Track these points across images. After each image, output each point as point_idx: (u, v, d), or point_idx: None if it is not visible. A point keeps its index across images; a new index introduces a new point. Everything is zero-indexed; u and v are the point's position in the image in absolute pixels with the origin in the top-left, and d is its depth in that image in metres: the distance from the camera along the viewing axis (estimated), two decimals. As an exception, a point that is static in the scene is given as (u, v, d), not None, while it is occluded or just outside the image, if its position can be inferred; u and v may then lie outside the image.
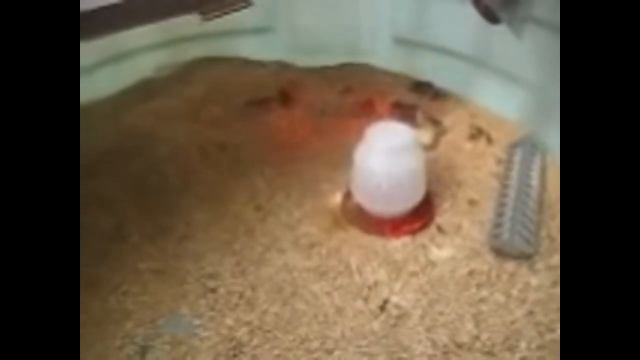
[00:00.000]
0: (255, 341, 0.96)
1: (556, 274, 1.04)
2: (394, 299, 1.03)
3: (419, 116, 1.45)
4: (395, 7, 1.61)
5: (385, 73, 1.67)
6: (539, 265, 1.07)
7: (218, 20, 1.09)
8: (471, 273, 1.07)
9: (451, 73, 1.56)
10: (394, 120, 1.20)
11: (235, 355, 0.94)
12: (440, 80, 1.59)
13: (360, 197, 1.16)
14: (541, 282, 1.04)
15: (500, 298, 1.02)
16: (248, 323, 0.99)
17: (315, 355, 0.94)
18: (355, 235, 1.15)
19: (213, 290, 1.05)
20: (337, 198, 1.23)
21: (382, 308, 1.01)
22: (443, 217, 1.19)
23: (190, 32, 1.65)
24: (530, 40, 1.28)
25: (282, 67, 1.70)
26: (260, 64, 1.72)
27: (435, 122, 1.44)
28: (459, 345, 0.95)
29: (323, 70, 1.68)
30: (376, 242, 1.13)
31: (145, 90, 1.61)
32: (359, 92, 1.57)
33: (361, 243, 1.13)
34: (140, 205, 1.22)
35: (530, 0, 1.23)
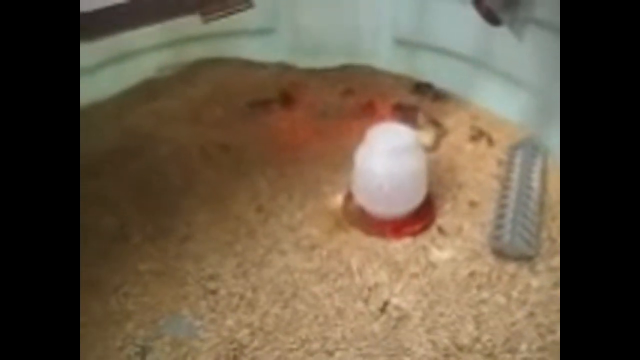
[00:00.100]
0: (255, 343, 0.96)
1: (557, 276, 1.04)
2: (395, 300, 1.03)
3: (420, 118, 1.45)
4: (397, 9, 1.61)
5: (387, 74, 1.67)
6: (540, 266, 1.07)
7: (220, 21, 1.09)
8: (472, 274, 1.07)
9: (452, 74, 1.56)
10: (395, 122, 1.20)
11: (235, 357, 0.94)
12: (441, 82, 1.59)
13: (362, 199, 1.16)
14: (542, 284, 1.04)
15: (501, 300, 1.02)
16: (249, 325, 0.99)
17: (315, 357, 0.94)
18: (356, 236, 1.15)
19: (214, 292, 1.05)
20: (338, 199, 1.23)
21: (383, 310, 1.01)
22: (444, 218, 1.19)
23: (192, 33, 1.65)
24: (532, 42, 1.27)
25: (284, 68, 1.70)
26: (261, 65, 1.72)
27: (436, 124, 1.44)
28: (460, 347, 0.95)
29: (324, 72, 1.67)
30: (377, 244, 1.13)
31: (147, 90, 1.61)
32: (360, 94, 1.57)
33: (362, 244, 1.13)
34: (142, 205, 1.23)
35: (532, 1, 1.23)
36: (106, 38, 0.96)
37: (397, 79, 1.64)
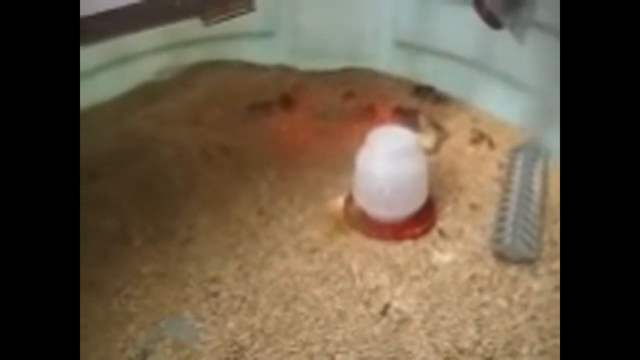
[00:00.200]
0: (256, 345, 0.96)
1: (558, 279, 1.04)
2: (396, 303, 1.03)
3: (421, 120, 1.45)
4: (397, 11, 1.61)
5: (387, 77, 1.67)
6: (541, 270, 1.07)
7: (220, 24, 1.09)
8: (473, 278, 1.07)
9: (453, 77, 1.56)
10: (396, 125, 1.20)
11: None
12: (442, 85, 1.59)
13: (362, 202, 1.16)
14: (543, 287, 1.04)
15: (502, 303, 1.02)
16: (250, 327, 0.99)
17: (316, 360, 0.94)
18: (357, 239, 1.15)
19: (215, 294, 1.05)
20: (339, 202, 1.24)
21: (384, 312, 1.01)
22: (445, 221, 1.19)
23: (193, 36, 1.65)
24: (533, 45, 1.28)
25: (285, 71, 1.70)
26: (262, 67, 1.72)
27: (437, 127, 1.44)
28: (461, 351, 0.95)
29: (325, 74, 1.68)
30: (378, 247, 1.13)
31: (147, 93, 1.61)
32: (361, 96, 1.58)
33: (363, 247, 1.14)
34: (143, 207, 1.23)
35: (533, 4, 1.23)
36: (106, 41, 0.96)
37: (398, 81, 1.64)
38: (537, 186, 1.22)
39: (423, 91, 1.59)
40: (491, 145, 1.39)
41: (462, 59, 1.52)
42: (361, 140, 1.14)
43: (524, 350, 0.94)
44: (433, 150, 1.37)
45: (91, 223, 1.16)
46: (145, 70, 1.64)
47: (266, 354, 0.95)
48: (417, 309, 1.01)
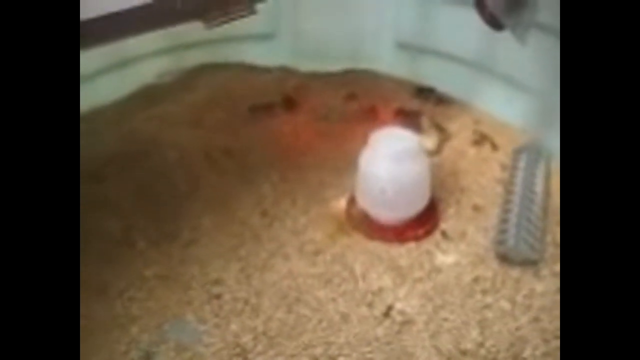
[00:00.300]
0: (259, 347, 0.96)
1: (561, 281, 1.04)
2: (399, 305, 1.03)
3: (424, 122, 1.45)
4: (399, 13, 1.61)
5: (389, 78, 1.67)
6: (544, 271, 1.07)
7: (221, 26, 1.09)
8: (476, 279, 1.07)
9: (455, 79, 1.56)
10: (398, 126, 1.20)
11: (240, 362, 0.95)
12: (443, 86, 1.59)
13: (365, 203, 1.16)
14: (546, 289, 1.04)
15: (505, 304, 1.02)
16: (252, 329, 0.99)
17: (319, 362, 0.94)
18: (359, 241, 1.15)
19: (218, 297, 1.05)
20: (342, 204, 1.24)
21: (387, 314, 1.01)
22: (447, 222, 1.19)
23: (194, 39, 1.66)
24: (534, 46, 1.27)
25: (286, 72, 1.70)
26: (264, 69, 1.72)
27: (439, 128, 1.44)
28: (464, 352, 0.95)
29: (327, 76, 1.68)
30: (380, 248, 1.13)
31: (148, 96, 1.62)
32: (362, 98, 1.58)
33: (366, 249, 1.14)
34: (146, 210, 1.23)
35: (535, 6, 1.23)
36: (108, 44, 0.96)
37: (400, 83, 1.64)
38: (539, 187, 1.22)
39: (425, 93, 1.59)
40: (493, 146, 1.39)
41: (463, 61, 1.52)
42: (363, 141, 1.14)
43: (527, 351, 0.94)
44: (435, 152, 1.37)
45: (94, 226, 1.16)
46: (147, 73, 1.64)
47: (269, 356, 0.95)
48: (420, 310, 1.01)
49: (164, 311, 1.02)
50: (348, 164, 1.19)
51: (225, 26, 1.09)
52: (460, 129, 1.45)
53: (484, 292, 1.04)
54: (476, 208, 1.22)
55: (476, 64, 1.49)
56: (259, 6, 1.11)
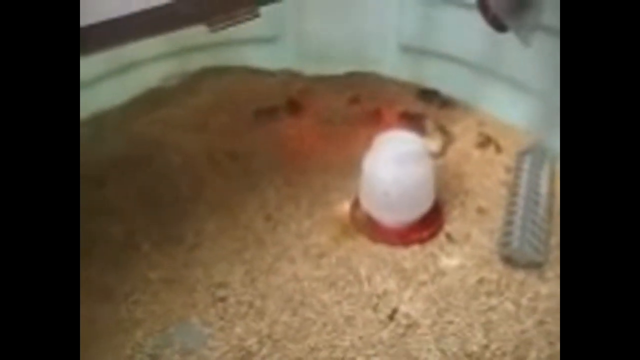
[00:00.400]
0: (264, 351, 0.96)
1: (566, 283, 1.03)
2: (403, 308, 1.02)
3: (428, 124, 1.45)
4: (402, 15, 1.61)
5: (393, 81, 1.67)
6: (549, 273, 1.07)
7: (225, 30, 1.09)
8: (481, 282, 1.06)
9: (458, 81, 1.56)
10: (402, 129, 1.20)
11: (244, 365, 0.95)
12: (447, 88, 1.59)
13: (369, 206, 1.16)
14: (551, 291, 1.04)
15: (510, 307, 1.02)
16: (257, 332, 0.99)
17: (324, 365, 0.94)
18: (364, 244, 1.15)
19: (223, 300, 1.05)
20: (346, 207, 1.24)
21: (391, 317, 1.01)
22: (452, 225, 1.19)
23: (197, 42, 1.66)
24: (538, 48, 1.27)
25: (290, 75, 1.70)
26: (267, 73, 1.72)
27: (443, 131, 1.44)
28: (469, 355, 0.95)
29: (331, 79, 1.68)
30: (385, 251, 1.13)
31: (152, 100, 1.62)
32: (366, 101, 1.58)
33: (370, 252, 1.13)
34: (150, 214, 1.23)
35: (539, 7, 1.23)
36: (111, 49, 0.96)
37: (403, 85, 1.64)
38: (544, 189, 1.22)
39: (428, 95, 1.59)
40: (498, 148, 1.39)
41: (467, 63, 1.52)
42: (367, 144, 1.14)
43: (533, 354, 0.94)
44: (439, 154, 1.37)
45: (98, 229, 1.17)
46: (151, 76, 1.65)
47: (274, 359, 0.95)
48: (425, 313, 1.01)
49: (169, 314, 1.03)
50: (352, 167, 1.18)
51: (229, 29, 1.10)
52: (465, 132, 1.45)
53: (489, 294, 1.04)
54: (480, 210, 1.22)
55: (480, 66, 1.49)
56: (263, 9, 1.11)
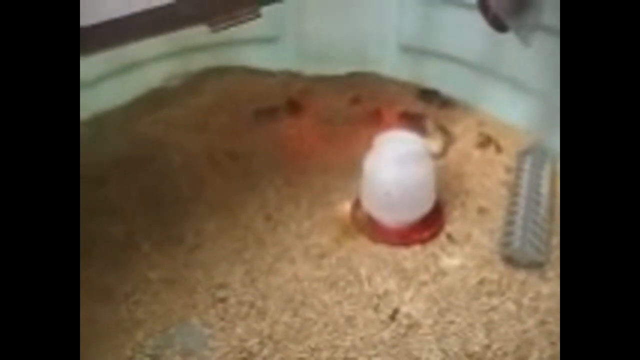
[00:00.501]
0: (265, 351, 0.96)
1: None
2: (404, 308, 1.02)
3: (428, 125, 1.45)
4: (402, 15, 1.61)
5: (393, 81, 1.67)
6: (551, 273, 1.07)
7: (226, 30, 1.09)
8: (482, 282, 1.06)
9: (459, 81, 1.56)
10: (403, 129, 1.20)
11: (245, 365, 0.94)
12: (447, 88, 1.59)
13: (370, 206, 1.16)
14: (553, 291, 1.03)
15: (512, 307, 1.02)
16: (258, 333, 0.99)
17: (325, 365, 0.94)
18: (364, 244, 1.15)
19: (223, 300, 1.05)
20: (347, 207, 1.23)
21: (393, 317, 1.01)
22: (453, 225, 1.19)
23: (198, 43, 1.66)
24: (539, 48, 1.27)
25: (291, 76, 1.70)
26: (268, 73, 1.72)
27: (443, 131, 1.44)
28: (470, 355, 0.94)
29: (331, 79, 1.68)
30: (386, 251, 1.13)
31: (153, 100, 1.62)
32: (367, 101, 1.58)
33: (371, 252, 1.13)
34: (151, 214, 1.23)
35: (539, 7, 1.23)
36: (113, 49, 0.96)
37: (404, 86, 1.64)
38: (545, 189, 1.22)
39: (429, 95, 1.59)
40: (498, 148, 1.39)
41: (467, 63, 1.52)
42: (368, 145, 1.14)
43: (534, 354, 0.94)
44: (440, 155, 1.37)
45: (98, 229, 1.17)
46: (152, 77, 1.65)
47: (275, 360, 0.95)
48: (426, 313, 1.01)
49: (169, 315, 1.02)
50: (353, 167, 1.18)
51: (230, 30, 1.10)
52: (465, 132, 1.45)
53: (490, 294, 1.04)
54: (481, 210, 1.22)
55: (480, 66, 1.49)
56: (263, 9, 1.11)
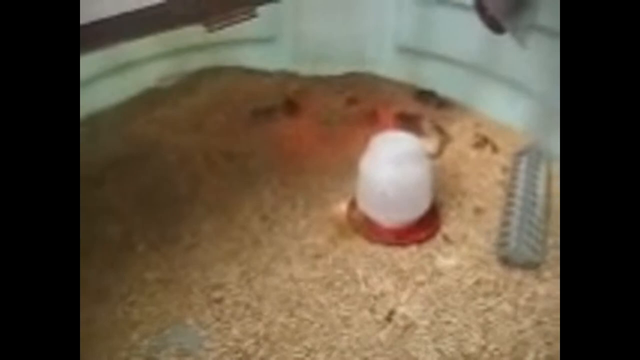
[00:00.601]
0: (261, 352, 0.96)
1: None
2: (401, 309, 1.02)
3: (425, 125, 1.45)
4: (399, 16, 1.61)
5: (389, 82, 1.67)
6: (546, 274, 1.07)
7: (222, 30, 1.09)
8: (478, 282, 1.06)
9: (455, 82, 1.56)
10: (399, 130, 1.20)
11: (241, 366, 0.94)
12: (444, 89, 1.59)
13: (366, 206, 1.16)
14: (549, 291, 1.04)
15: (508, 307, 1.02)
16: (254, 334, 0.99)
17: (321, 366, 0.94)
18: (360, 244, 1.15)
19: (219, 301, 1.04)
20: (342, 207, 1.23)
21: (389, 318, 1.01)
22: (449, 226, 1.19)
23: (195, 42, 1.66)
24: (535, 49, 1.27)
25: (287, 76, 1.70)
26: (265, 73, 1.72)
27: (440, 131, 1.44)
28: (466, 356, 0.94)
29: (328, 79, 1.68)
30: (382, 252, 1.13)
31: (150, 100, 1.62)
32: (363, 102, 1.58)
33: (367, 252, 1.13)
34: (147, 214, 1.23)
35: (535, 8, 1.23)
36: (108, 48, 0.96)
37: (400, 86, 1.65)
38: (541, 190, 1.22)
39: (425, 96, 1.59)
40: (494, 149, 1.39)
41: (464, 64, 1.52)
42: (364, 145, 1.14)
43: (530, 355, 0.94)
44: (436, 155, 1.37)
45: (95, 229, 1.16)
46: (148, 76, 1.65)
47: (271, 360, 0.95)
48: (422, 314, 1.01)
49: (165, 316, 1.02)
50: (349, 167, 1.18)
51: (227, 30, 1.09)
52: (461, 132, 1.45)
53: (486, 295, 1.04)
54: (477, 211, 1.22)
55: (476, 67, 1.50)
56: (260, 10, 1.11)
